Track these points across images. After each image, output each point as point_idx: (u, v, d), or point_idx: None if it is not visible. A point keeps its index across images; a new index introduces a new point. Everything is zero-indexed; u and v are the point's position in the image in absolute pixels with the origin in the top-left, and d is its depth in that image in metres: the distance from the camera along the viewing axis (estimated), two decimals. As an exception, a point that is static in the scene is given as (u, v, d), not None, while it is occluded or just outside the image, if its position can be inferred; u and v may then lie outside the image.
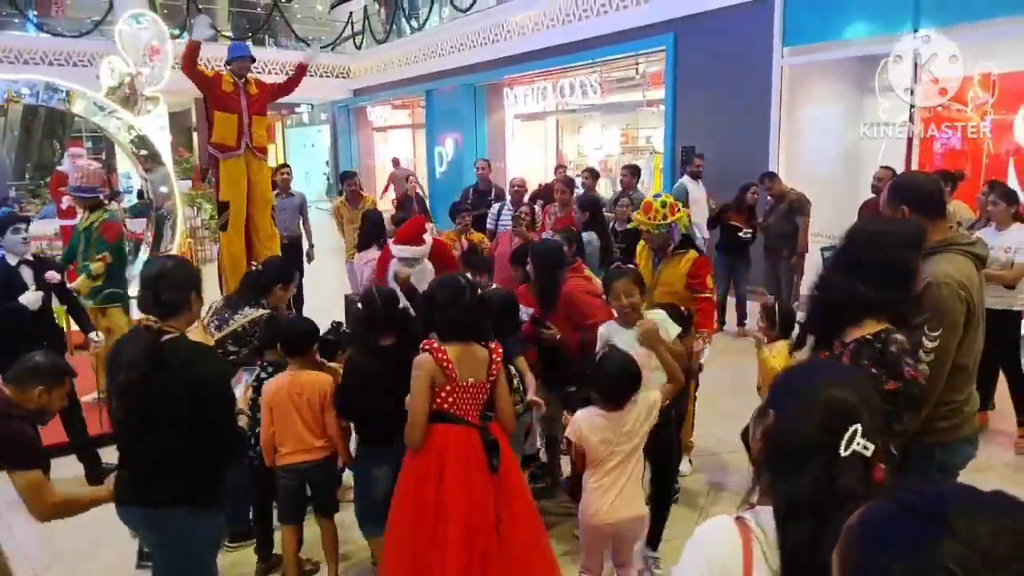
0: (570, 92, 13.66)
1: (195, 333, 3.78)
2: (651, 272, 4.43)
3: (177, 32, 17.49)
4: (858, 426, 1.29)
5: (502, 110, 16.06)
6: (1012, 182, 7.01)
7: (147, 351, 2.48)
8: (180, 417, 2.48)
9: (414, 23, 18.09)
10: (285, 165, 9.03)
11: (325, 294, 8.34)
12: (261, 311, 3.99)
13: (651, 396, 3.17)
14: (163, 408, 2.49)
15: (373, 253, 5.75)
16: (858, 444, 1.29)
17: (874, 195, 6.69)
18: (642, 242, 4.60)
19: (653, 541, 3.74)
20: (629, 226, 5.02)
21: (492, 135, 16.05)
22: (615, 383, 3.06)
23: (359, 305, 3.55)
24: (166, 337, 2.53)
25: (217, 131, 6.64)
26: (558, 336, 4.05)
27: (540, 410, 3.71)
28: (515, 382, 3.68)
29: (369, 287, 3.87)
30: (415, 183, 9.21)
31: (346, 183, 8.57)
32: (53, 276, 5.02)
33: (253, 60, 6.88)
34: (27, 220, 5.35)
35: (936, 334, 2.53)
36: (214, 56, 17.41)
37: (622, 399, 3.07)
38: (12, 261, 4.88)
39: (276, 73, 19.08)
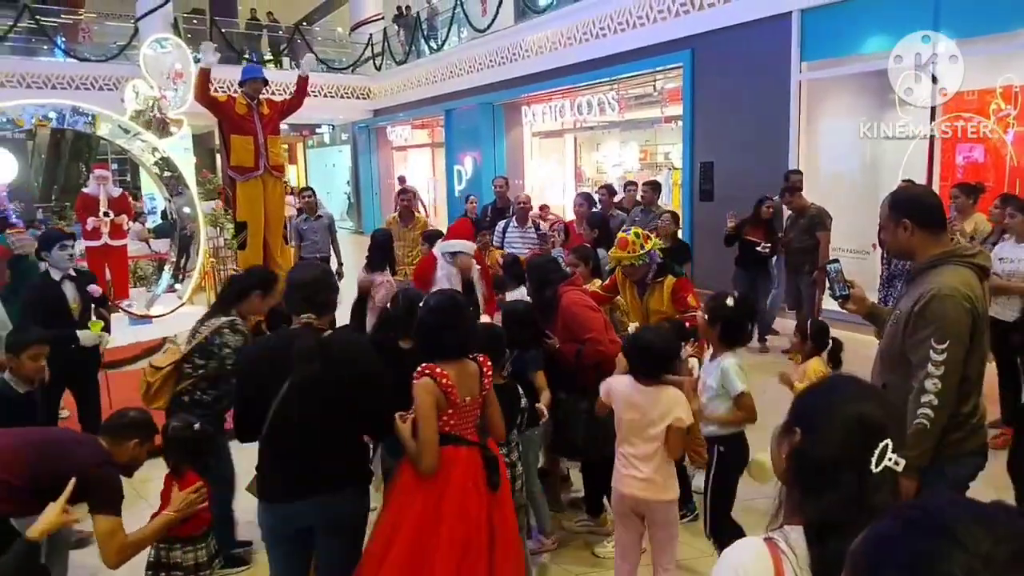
0: (588, 109, 13.71)
1: (171, 353, 3.84)
2: (638, 303, 4.63)
3: (200, 56, 17.85)
4: (888, 441, 1.29)
5: (520, 128, 16.15)
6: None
7: (318, 346, 2.68)
8: (348, 403, 2.72)
9: (433, 44, 18.27)
10: (307, 188, 9.12)
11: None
12: (224, 319, 3.83)
13: (681, 397, 3.26)
14: (336, 396, 2.71)
15: (380, 276, 5.81)
16: (889, 460, 1.29)
17: None
18: (621, 275, 4.70)
19: None
20: (608, 266, 5.10)
21: (510, 153, 16.14)
22: (644, 356, 3.22)
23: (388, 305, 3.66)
24: (326, 333, 2.82)
25: (236, 154, 6.77)
26: (557, 345, 4.10)
27: (543, 419, 3.86)
28: (523, 401, 3.61)
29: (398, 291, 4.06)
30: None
31: (400, 199, 8.48)
32: (95, 290, 5.10)
33: (266, 82, 7.00)
34: (73, 236, 5.30)
35: (943, 347, 2.52)
36: (227, 78, 17.72)
37: (655, 372, 3.21)
38: (56, 276, 4.93)
39: (276, 93, 19.35)
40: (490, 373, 2.97)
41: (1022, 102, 7.43)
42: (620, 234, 4.70)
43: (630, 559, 3.36)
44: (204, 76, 6.64)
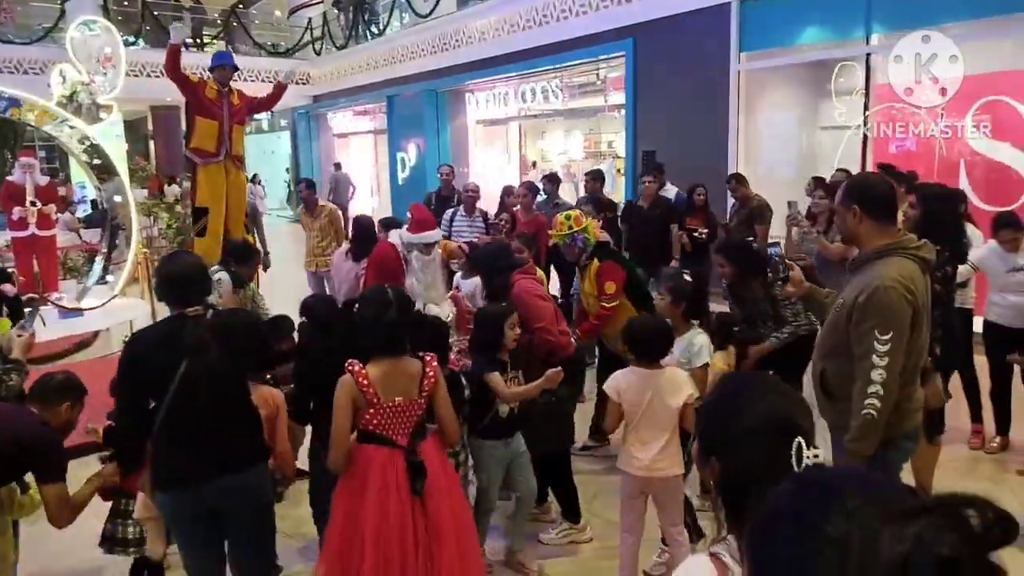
0: (532, 97, 13.70)
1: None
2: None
3: (132, 39, 17.22)
4: (799, 439, 1.29)
5: (464, 115, 16.06)
6: (963, 184, 7.17)
7: (208, 332, 2.69)
8: (241, 382, 2.83)
9: (374, 29, 18.01)
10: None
11: (283, 301, 8.22)
12: None
13: (683, 373, 3.42)
14: (232, 376, 2.79)
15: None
16: (808, 457, 1.29)
17: (831, 197, 6.79)
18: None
19: None
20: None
21: (455, 140, 16.04)
22: (647, 340, 3.34)
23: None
24: (208, 318, 2.83)
25: (198, 136, 6.72)
26: None
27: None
28: (465, 392, 3.53)
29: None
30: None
31: (298, 190, 8.54)
32: (9, 289, 4.91)
33: (236, 69, 6.96)
34: None
35: (887, 337, 2.58)
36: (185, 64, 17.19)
37: (655, 356, 3.32)
38: None
39: (236, 80, 18.89)
40: (433, 375, 2.84)
41: (951, 94, 7.65)
42: (557, 215, 4.91)
43: (636, 532, 3.45)
44: (174, 52, 6.58)
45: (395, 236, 5.16)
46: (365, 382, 2.74)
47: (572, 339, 4.38)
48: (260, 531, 2.95)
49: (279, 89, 7.35)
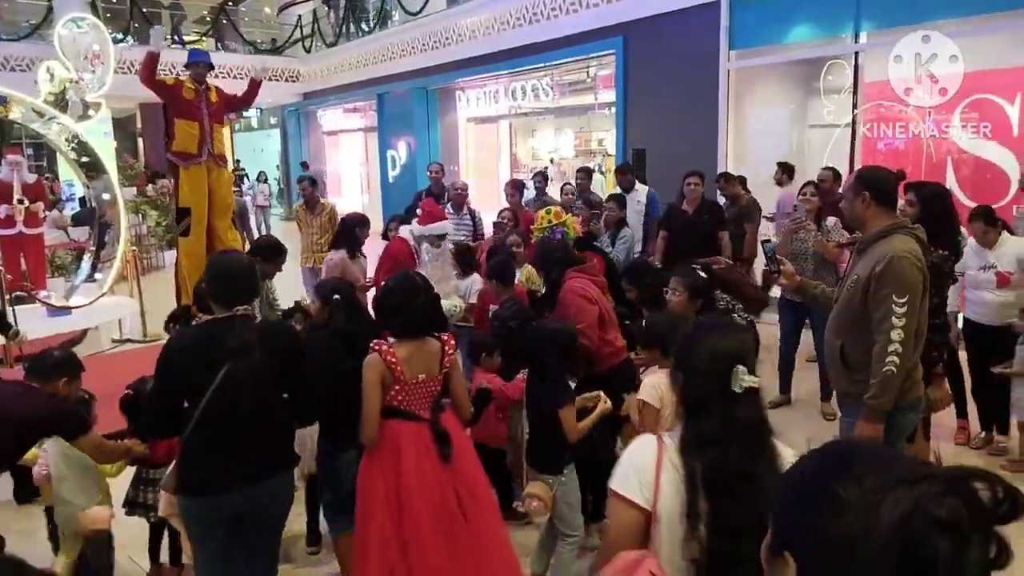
0: (522, 95, 13.71)
1: None
2: None
3: (120, 36, 17.12)
4: (741, 366, 1.69)
5: (455, 113, 16.04)
6: (950, 181, 7.22)
7: (258, 337, 2.69)
8: (282, 390, 2.83)
9: (364, 26, 17.96)
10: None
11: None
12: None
13: None
14: (272, 384, 2.78)
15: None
16: (746, 380, 1.68)
17: (820, 195, 6.81)
18: None
19: None
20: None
21: (445, 138, 16.03)
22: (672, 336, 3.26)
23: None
24: (258, 320, 2.84)
25: (179, 139, 6.68)
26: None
27: None
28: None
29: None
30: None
31: (300, 186, 8.48)
32: None
33: (211, 67, 6.90)
34: None
35: (904, 300, 2.90)
36: (167, 60, 17.09)
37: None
38: None
39: (224, 77, 18.81)
40: (451, 352, 3.05)
41: (951, 93, 7.69)
42: (539, 212, 5.08)
43: None
44: (152, 60, 6.54)
45: (405, 231, 5.21)
46: (393, 360, 2.90)
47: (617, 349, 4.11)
48: (277, 534, 3.01)
49: (254, 85, 7.30)
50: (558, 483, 3.36)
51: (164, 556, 3.88)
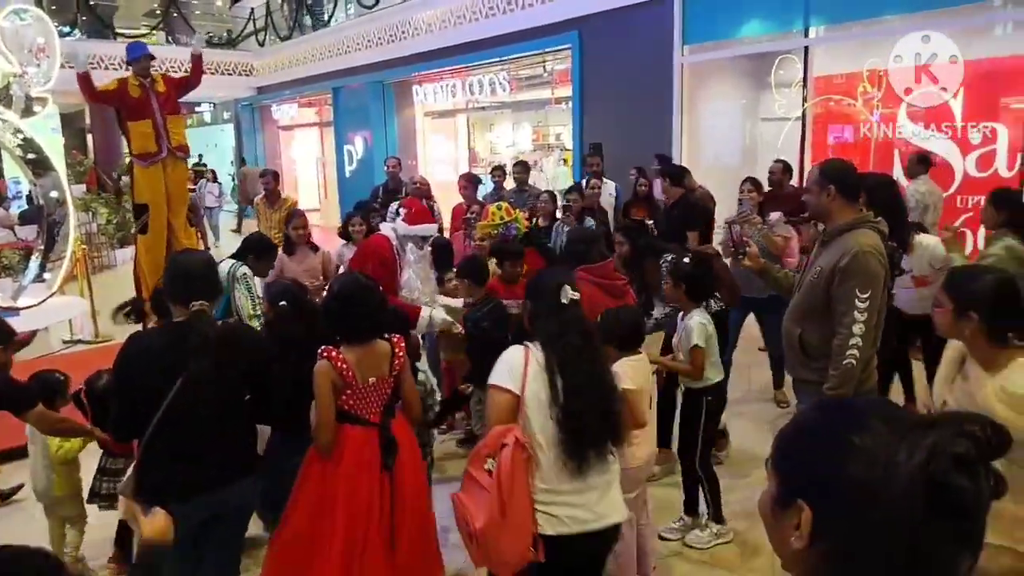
0: (479, 90, 13.69)
1: None
2: None
3: (67, 29, 16.71)
4: (567, 286, 2.49)
5: (412, 107, 15.96)
6: (898, 174, 7.41)
7: (218, 336, 2.63)
8: (244, 393, 2.78)
9: (319, 20, 17.77)
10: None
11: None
12: None
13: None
14: (235, 387, 2.74)
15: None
16: (569, 294, 2.49)
17: (770, 187, 6.96)
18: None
19: None
20: (475, 238, 5.28)
21: (402, 133, 15.95)
22: (630, 328, 3.41)
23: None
24: (219, 322, 2.79)
25: (136, 141, 6.55)
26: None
27: None
28: (436, 395, 3.67)
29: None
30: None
31: (262, 181, 8.34)
32: None
33: (152, 58, 6.73)
34: None
35: (866, 295, 2.98)
36: (108, 54, 16.70)
37: (638, 343, 3.42)
38: None
39: (177, 72, 18.46)
40: (402, 354, 3.02)
41: (886, 85, 7.90)
42: (489, 206, 5.14)
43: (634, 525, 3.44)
44: (84, 81, 6.45)
45: (387, 228, 5.06)
46: (344, 365, 2.86)
47: None
48: (240, 540, 2.97)
49: (196, 61, 7.10)
50: None
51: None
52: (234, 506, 2.81)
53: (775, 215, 5.71)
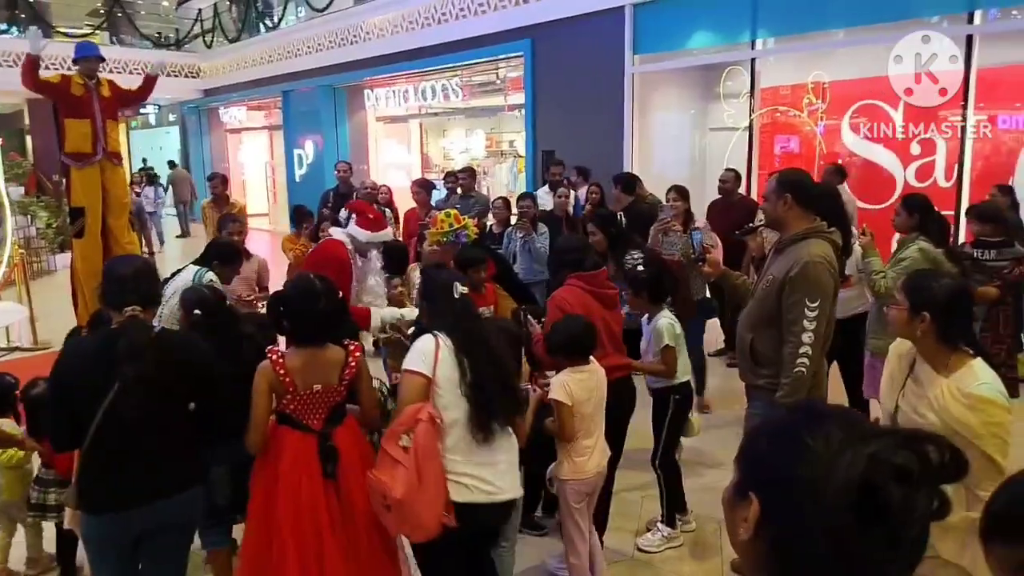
0: (432, 95, 13.66)
1: None
2: None
3: (4, 27, 16.21)
4: (456, 283, 2.90)
5: (363, 112, 15.84)
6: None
7: (150, 341, 2.55)
8: (184, 401, 2.69)
9: (268, 22, 17.54)
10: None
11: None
12: None
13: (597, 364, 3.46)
14: (171, 394, 2.63)
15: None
16: (460, 289, 2.89)
17: (720, 196, 7.09)
18: None
19: None
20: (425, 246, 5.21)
21: (354, 137, 15.82)
22: (577, 338, 3.35)
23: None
24: (156, 328, 2.71)
25: (71, 140, 6.34)
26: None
27: None
28: (388, 403, 3.57)
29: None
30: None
31: (210, 184, 8.22)
32: None
33: (102, 60, 6.55)
34: None
35: (815, 305, 3.03)
36: (48, 53, 16.24)
37: (588, 351, 3.37)
38: None
39: (119, 73, 18.04)
40: (356, 365, 2.94)
41: (830, 97, 8.12)
42: (437, 214, 5.11)
43: (586, 546, 3.45)
44: (31, 63, 6.18)
45: (340, 233, 4.91)
46: (282, 371, 2.80)
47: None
48: (183, 551, 2.86)
49: (149, 82, 6.98)
50: None
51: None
52: (175, 519, 2.72)
53: (702, 222, 5.85)
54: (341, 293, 4.09)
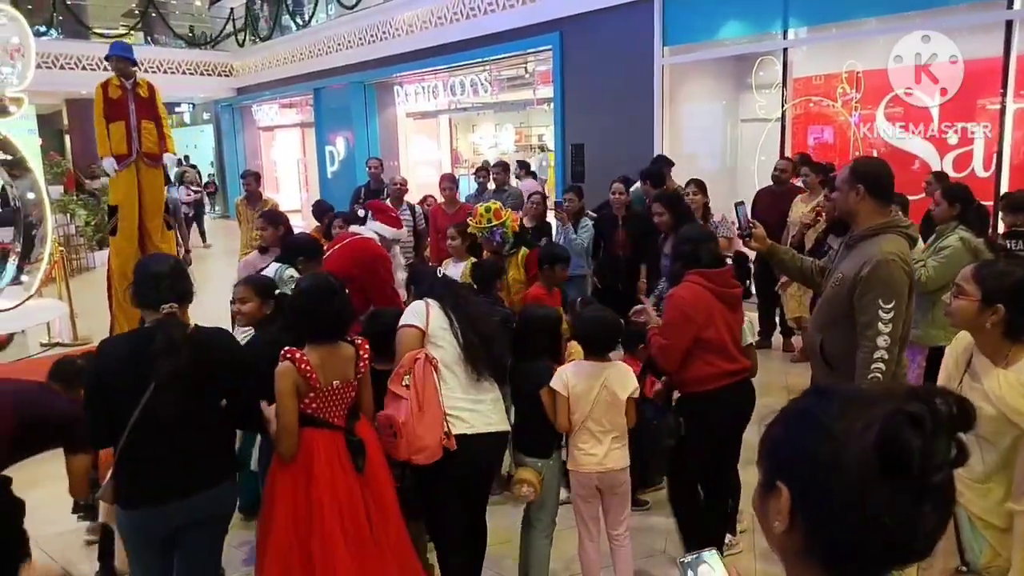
0: (461, 91, 13.68)
1: None
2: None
3: (43, 29, 16.52)
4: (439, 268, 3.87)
5: (393, 108, 15.93)
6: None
7: (186, 338, 2.59)
8: (219, 397, 2.74)
9: (299, 20, 17.68)
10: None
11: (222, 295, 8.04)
12: None
13: (628, 368, 3.42)
14: (207, 391, 2.69)
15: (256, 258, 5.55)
16: (442, 271, 3.63)
17: (773, 184, 7.05)
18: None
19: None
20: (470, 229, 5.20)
21: (384, 133, 15.90)
22: (595, 333, 3.36)
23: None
24: (192, 324, 2.75)
25: (113, 142, 6.44)
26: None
27: None
28: None
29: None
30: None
31: (244, 181, 8.35)
32: None
33: (133, 62, 6.64)
34: None
35: (891, 306, 2.82)
36: (84, 54, 16.53)
37: (604, 348, 3.36)
38: None
39: (156, 72, 18.33)
40: (366, 357, 2.99)
41: (865, 86, 7.99)
42: (478, 205, 5.13)
43: (595, 533, 3.45)
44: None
45: (369, 232, 4.98)
46: (308, 368, 2.81)
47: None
48: (217, 545, 2.90)
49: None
50: (546, 467, 3.39)
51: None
52: (210, 512, 2.75)
53: (719, 215, 5.80)
54: (389, 287, 4.68)
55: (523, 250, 5.08)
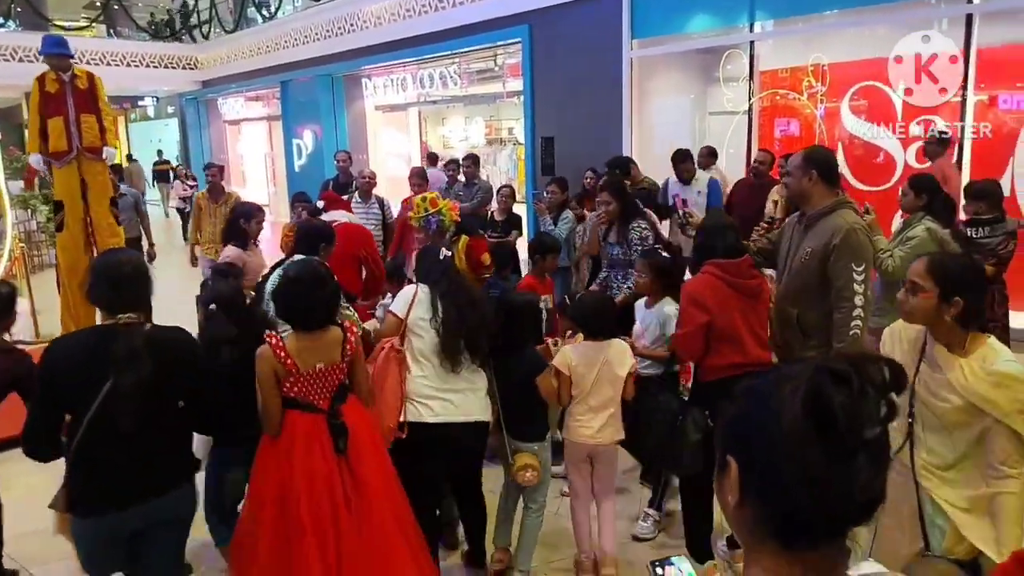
0: (431, 83, 13.61)
1: None
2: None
3: (1, 21, 16.15)
4: (442, 248, 3.60)
5: (362, 101, 15.80)
6: (842, 166, 7.58)
7: (146, 342, 2.51)
8: (179, 402, 2.69)
9: (265, 12, 17.46)
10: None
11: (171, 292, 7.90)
12: None
13: (626, 346, 3.60)
14: (167, 397, 2.63)
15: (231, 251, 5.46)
16: (444, 253, 3.63)
17: (752, 176, 7.22)
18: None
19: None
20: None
21: (353, 127, 15.78)
22: (593, 316, 3.53)
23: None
24: (147, 327, 2.63)
25: (51, 139, 6.25)
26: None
27: None
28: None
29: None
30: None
31: (207, 173, 8.18)
32: None
33: (70, 57, 6.43)
34: None
35: (862, 268, 3.20)
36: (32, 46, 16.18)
37: (602, 330, 3.50)
38: None
39: (119, 65, 18.00)
40: (354, 339, 3.02)
41: (830, 79, 8.08)
42: (414, 197, 5.32)
43: (586, 496, 3.64)
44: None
45: (342, 216, 5.15)
46: (283, 354, 2.85)
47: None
48: (178, 547, 2.84)
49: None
50: (543, 449, 3.60)
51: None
52: (169, 516, 2.69)
53: (592, 214, 5.91)
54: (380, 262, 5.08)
55: (463, 238, 5.04)
